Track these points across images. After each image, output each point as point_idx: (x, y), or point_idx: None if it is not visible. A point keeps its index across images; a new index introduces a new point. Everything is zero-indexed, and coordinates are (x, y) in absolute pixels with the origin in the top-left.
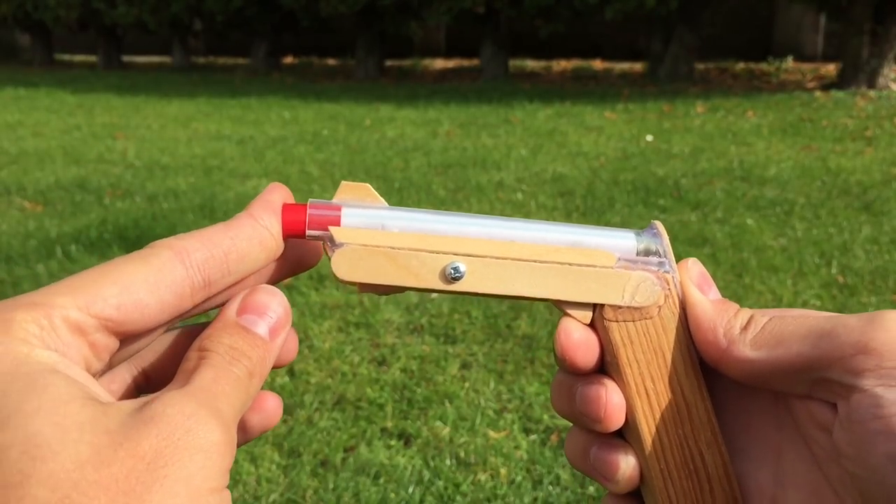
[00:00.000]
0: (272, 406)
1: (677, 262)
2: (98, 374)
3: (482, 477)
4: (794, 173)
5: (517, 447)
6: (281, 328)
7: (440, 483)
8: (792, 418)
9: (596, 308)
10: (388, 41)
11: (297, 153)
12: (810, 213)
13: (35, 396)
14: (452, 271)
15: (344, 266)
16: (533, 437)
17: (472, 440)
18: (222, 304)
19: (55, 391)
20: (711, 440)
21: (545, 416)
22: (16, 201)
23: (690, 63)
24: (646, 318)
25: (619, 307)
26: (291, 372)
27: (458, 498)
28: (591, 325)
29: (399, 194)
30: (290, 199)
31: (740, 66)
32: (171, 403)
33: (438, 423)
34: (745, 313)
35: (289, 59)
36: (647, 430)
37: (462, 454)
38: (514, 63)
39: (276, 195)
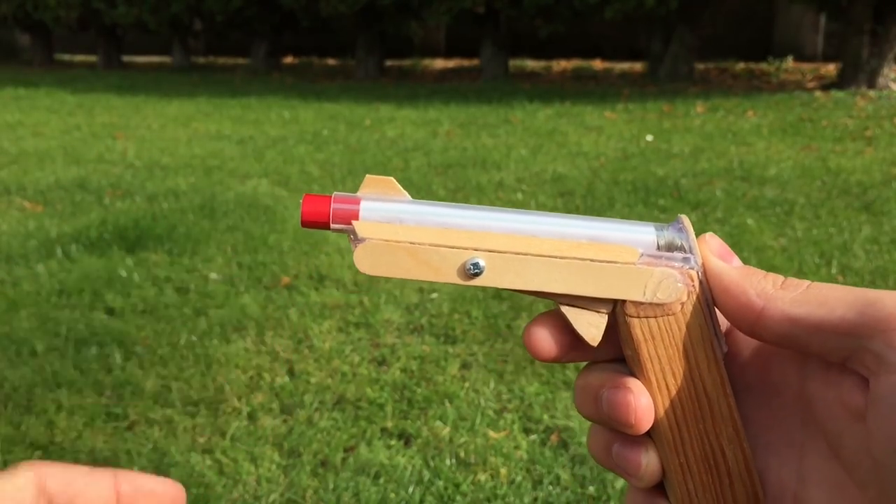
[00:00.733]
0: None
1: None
2: None
3: (482, 477)
4: (794, 173)
5: (517, 447)
6: None
7: (440, 483)
8: (817, 415)
9: (617, 303)
10: (388, 41)
11: (297, 153)
12: (810, 213)
13: None
14: (472, 267)
15: (366, 261)
16: (533, 437)
17: (472, 440)
18: None
19: None
20: (733, 436)
21: (545, 416)
22: (16, 201)
23: (690, 63)
24: (668, 315)
25: (641, 303)
26: (291, 372)
27: (458, 498)
28: (612, 319)
29: None
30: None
31: (740, 66)
32: None
33: (438, 423)
34: (776, 276)
35: (289, 59)
36: (667, 424)
37: (462, 454)
38: (514, 63)
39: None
